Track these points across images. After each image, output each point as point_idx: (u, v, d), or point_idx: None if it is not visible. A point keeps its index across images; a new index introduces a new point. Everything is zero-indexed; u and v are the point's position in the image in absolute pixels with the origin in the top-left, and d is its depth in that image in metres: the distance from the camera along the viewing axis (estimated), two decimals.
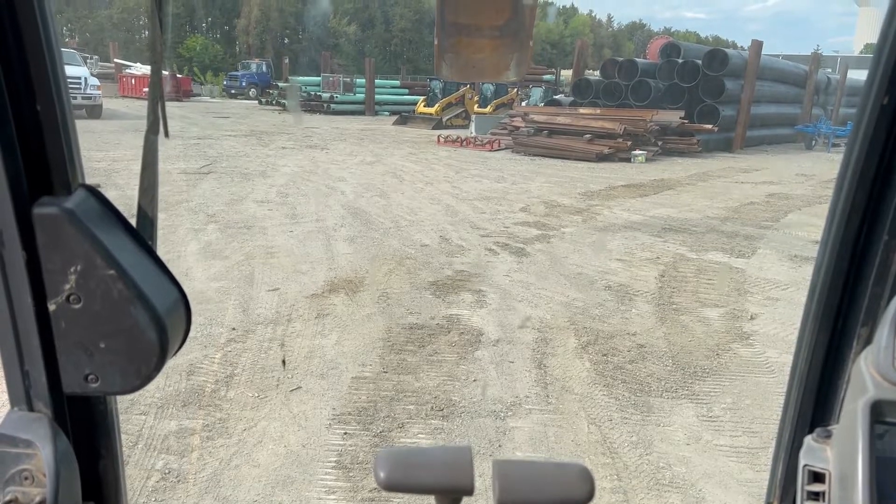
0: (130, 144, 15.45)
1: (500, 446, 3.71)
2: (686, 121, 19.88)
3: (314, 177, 13.03)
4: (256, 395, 4.19)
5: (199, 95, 43.46)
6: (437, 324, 5.49)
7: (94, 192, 0.77)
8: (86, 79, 21.55)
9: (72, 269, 0.73)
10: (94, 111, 21.97)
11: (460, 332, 5.34)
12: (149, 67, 0.84)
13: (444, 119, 28.44)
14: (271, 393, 4.23)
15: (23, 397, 0.79)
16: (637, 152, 17.94)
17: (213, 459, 3.49)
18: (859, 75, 31.25)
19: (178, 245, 7.46)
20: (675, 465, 3.58)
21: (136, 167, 0.84)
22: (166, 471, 3.36)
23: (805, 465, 0.86)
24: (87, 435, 0.86)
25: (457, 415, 4.03)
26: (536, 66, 38.39)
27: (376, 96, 34.77)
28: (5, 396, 0.81)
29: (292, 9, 67.29)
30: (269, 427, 3.83)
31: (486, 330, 5.40)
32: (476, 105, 29.34)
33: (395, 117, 30.15)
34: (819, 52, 29.91)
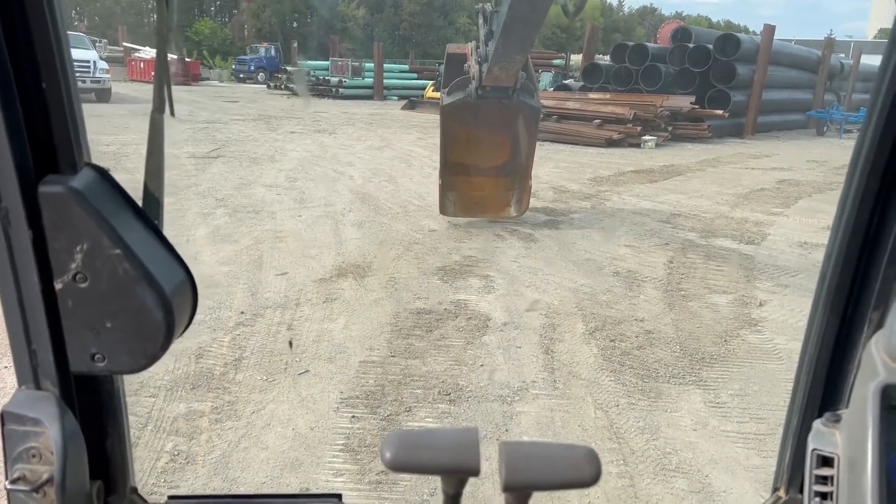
0: (140, 128, 15.45)
1: (506, 430, 3.73)
2: (697, 106, 19.70)
3: (322, 161, 13.02)
4: (265, 378, 4.22)
5: (208, 79, 43.42)
6: (445, 309, 5.50)
7: (100, 171, 0.77)
8: (95, 62, 21.50)
9: (78, 248, 0.73)
10: (103, 95, 21.97)
11: (468, 317, 5.34)
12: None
13: None
14: (280, 376, 4.25)
15: (30, 376, 0.79)
16: (647, 138, 17.83)
17: (222, 441, 3.51)
18: (873, 60, 30.84)
19: (187, 229, 7.48)
20: (682, 451, 3.59)
21: (146, 151, 0.84)
22: (175, 452, 3.39)
23: (814, 450, 0.85)
24: (94, 414, 0.87)
25: (464, 399, 4.04)
26: (546, 50, 38.10)
27: (385, 81, 34.60)
28: (13, 376, 0.81)
29: None
30: (278, 410, 3.85)
31: (493, 315, 5.40)
32: None
33: (403, 102, 30.02)
34: (832, 36, 29.50)
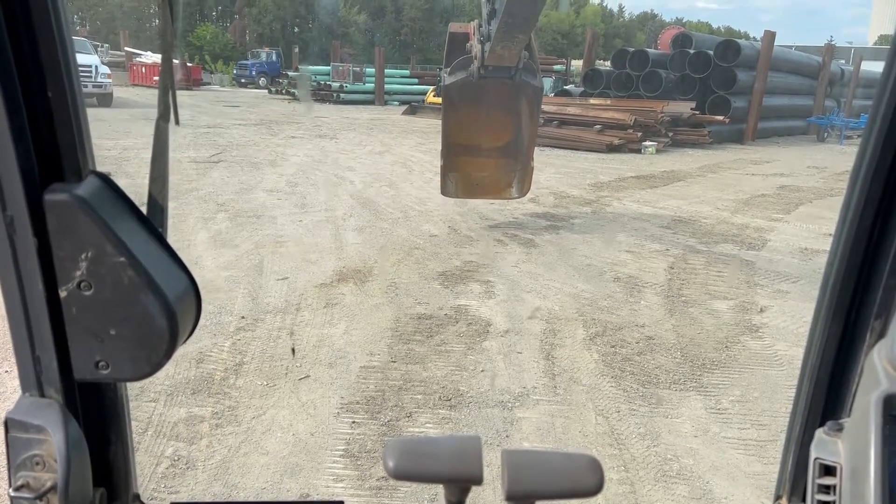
0: (141, 133, 15.48)
1: (507, 436, 3.72)
2: (697, 112, 19.73)
3: (323, 166, 13.03)
4: (265, 383, 4.21)
5: (209, 84, 43.43)
6: (446, 314, 5.49)
7: (105, 179, 0.77)
8: (96, 67, 21.56)
9: (83, 256, 0.73)
10: (105, 99, 22.00)
11: (468, 322, 5.34)
12: (159, 56, 0.84)
13: None
14: (280, 381, 4.25)
15: (34, 383, 0.79)
16: (647, 143, 17.84)
17: (222, 447, 3.51)
18: (873, 67, 30.87)
19: (187, 234, 7.49)
20: (683, 457, 3.58)
21: (147, 156, 0.84)
22: (176, 457, 3.39)
23: (816, 459, 0.85)
24: (98, 421, 0.87)
25: (464, 405, 4.04)
26: (547, 55, 38.19)
27: (386, 86, 34.63)
28: (16, 382, 0.81)
29: None
30: (278, 415, 3.84)
31: (494, 321, 5.40)
32: None
33: (404, 107, 30.04)
34: (832, 43, 29.59)
